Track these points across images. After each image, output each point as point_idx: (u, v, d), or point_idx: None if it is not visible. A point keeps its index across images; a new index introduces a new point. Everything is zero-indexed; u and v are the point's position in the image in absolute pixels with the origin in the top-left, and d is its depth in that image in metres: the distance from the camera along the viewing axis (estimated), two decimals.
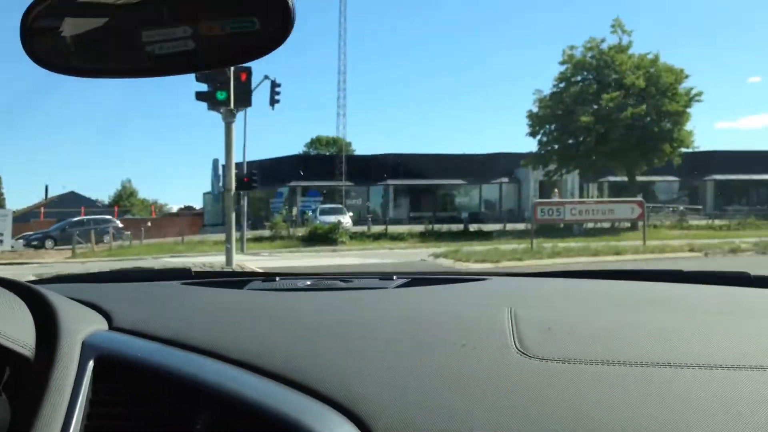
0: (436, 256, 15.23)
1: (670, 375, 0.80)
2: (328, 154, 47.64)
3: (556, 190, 30.34)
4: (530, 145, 29.54)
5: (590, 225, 20.27)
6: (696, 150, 29.07)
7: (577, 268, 1.61)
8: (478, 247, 16.09)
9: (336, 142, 48.87)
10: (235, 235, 14.74)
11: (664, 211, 33.78)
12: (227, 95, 12.83)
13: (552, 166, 29.28)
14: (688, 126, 27.01)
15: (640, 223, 17.54)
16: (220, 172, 17.52)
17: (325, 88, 75.49)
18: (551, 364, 0.84)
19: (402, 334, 0.97)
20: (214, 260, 15.37)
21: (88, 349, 0.88)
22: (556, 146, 28.54)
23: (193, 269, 1.60)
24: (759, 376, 0.79)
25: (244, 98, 13.45)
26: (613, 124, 26.02)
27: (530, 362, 0.85)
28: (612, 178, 33.63)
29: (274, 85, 19.92)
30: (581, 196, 35.42)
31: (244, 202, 21.56)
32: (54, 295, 0.94)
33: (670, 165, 28.56)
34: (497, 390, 0.79)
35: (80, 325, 0.92)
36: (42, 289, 0.95)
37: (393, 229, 26.08)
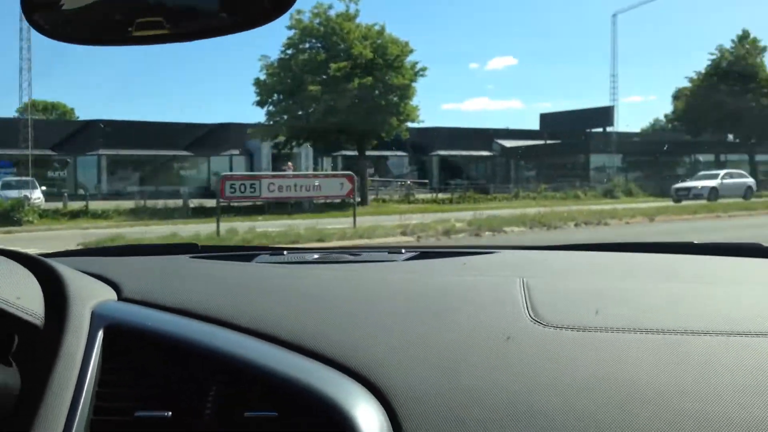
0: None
1: (688, 341, 0.81)
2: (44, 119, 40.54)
3: (289, 164, 28.72)
4: (262, 116, 27.43)
5: (322, 201, 18.65)
6: (422, 126, 29.71)
7: None
8: (164, 228, 13.47)
9: (55, 108, 42.01)
10: None
11: (393, 185, 34.42)
12: None
13: (281, 138, 27.64)
14: (414, 101, 27.21)
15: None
16: None
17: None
18: (565, 332, 0.84)
19: (413, 305, 0.96)
20: None
21: (97, 318, 0.88)
22: (285, 117, 26.94)
23: (202, 244, 1.59)
24: None
25: None
26: (341, 95, 25.13)
27: (544, 330, 0.85)
28: (346, 153, 33.20)
29: None
30: (315, 170, 34.51)
31: None
32: (62, 267, 0.94)
33: (402, 140, 28.78)
34: (511, 357, 0.80)
35: (89, 295, 0.92)
36: (50, 260, 0.94)
37: (101, 205, 22.51)
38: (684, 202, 24.10)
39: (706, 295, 0.98)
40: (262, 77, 26.71)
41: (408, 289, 1.05)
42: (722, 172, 29.56)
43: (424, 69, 27.11)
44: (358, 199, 28.20)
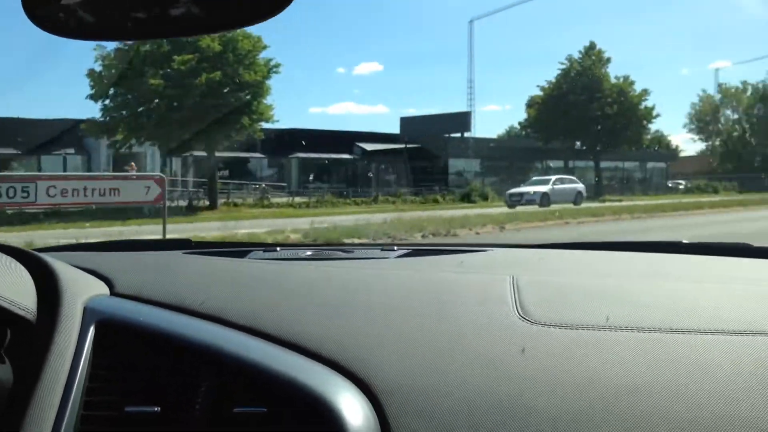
0: None
1: (676, 340, 0.81)
2: None
3: (132, 164, 26.21)
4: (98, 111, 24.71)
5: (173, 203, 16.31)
6: (283, 127, 28.38)
7: None
8: None
9: None
10: None
11: (248, 188, 32.71)
12: None
13: (120, 136, 25.10)
14: (269, 99, 25.83)
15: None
16: None
17: None
18: (552, 330, 0.85)
19: (403, 301, 0.96)
20: None
21: (89, 313, 0.88)
22: (124, 112, 24.50)
23: (194, 239, 1.60)
24: (763, 341, 0.81)
25: None
26: (187, 91, 23.17)
27: (531, 327, 0.86)
28: (198, 153, 31.04)
29: None
30: (163, 172, 32.02)
31: None
32: (55, 262, 0.94)
33: (258, 141, 27.24)
34: (498, 354, 0.80)
35: (81, 290, 0.92)
36: (43, 255, 0.95)
37: None
38: (518, 208, 24.03)
39: (695, 294, 0.97)
40: (98, 69, 24.15)
41: (398, 286, 1.05)
42: (553, 178, 29.51)
43: (277, 65, 25.74)
44: (207, 203, 26.78)
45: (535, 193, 26.89)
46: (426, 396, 0.74)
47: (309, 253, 1.43)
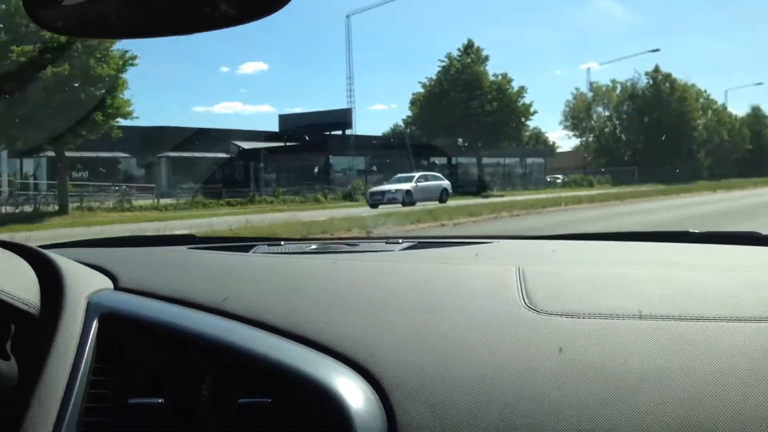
0: None
1: (684, 327, 0.80)
2: None
3: None
4: None
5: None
6: (152, 125, 26.19)
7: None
8: None
9: None
10: None
11: (110, 191, 30.21)
12: None
13: None
14: (127, 94, 23.79)
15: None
16: None
17: None
18: (560, 319, 0.84)
19: (409, 293, 0.96)
20: None
21: (93, 307, 0.88)
22: None
23: (198, 234, 1.66)
24: None
25: None
26: (29, 85, 20.72)
27: (539, 317, 0.85)
28: (52, 154, 28.26)
29: None
30: (16, 175, 29.01)
31: None
32: (58, 257, 0.94)
33: (121, 139, 25.02)
34: (505, 343, 0.80)
35: (85, 284, 0.92)
36: (45, 250, 0.95)
37: None
38: (381, 208, 22.83)
39: (704, 282, 0.95)
40: None
41: (403, 278, 1.04)
42: (417, 175, 27.90)
43: (133, 57, 23.64)
44: (56, 208, 24.32)
45: (397, 191, 25.41)
46: (431, 386, 0.74)
47: (313, 246, 1.42)
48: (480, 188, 34.65)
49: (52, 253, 0.94)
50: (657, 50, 53.81)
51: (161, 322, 0.86)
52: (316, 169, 37.50)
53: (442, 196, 27.11)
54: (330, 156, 39.22)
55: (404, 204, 24.15)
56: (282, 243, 1.47)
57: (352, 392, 0.74)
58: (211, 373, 0.79)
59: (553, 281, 0.98)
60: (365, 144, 41.73)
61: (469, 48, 41.33)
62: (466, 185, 36.20)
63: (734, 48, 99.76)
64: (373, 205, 24.20)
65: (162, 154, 35.81)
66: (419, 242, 1.42)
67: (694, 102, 53.18)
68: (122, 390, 0.79)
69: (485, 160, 43.50)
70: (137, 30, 0.77)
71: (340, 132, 41.77)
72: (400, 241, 1.42)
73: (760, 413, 0.67)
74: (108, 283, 0.99)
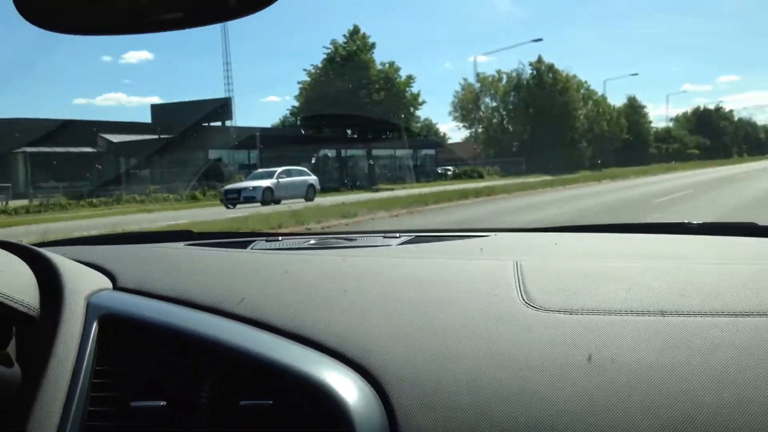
0: None
1: (683, 322, 0.80)
2: None
3: None
4: None
5: None
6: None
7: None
8: None
9: None
10: None
11: None
12: None
13: None
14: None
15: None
16: None
17: None
18: (558, 315, 0.84)
19: (408, 289, 0.96)
20: None
21: (92, 308, 0.88)
22: None
23: (195, 230, 1.60)
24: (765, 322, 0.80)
25: None
26: None
27: (536, 313, 0.85)
28: None
29: None
30: None
31: None
32: (57, 257, 0.94)
33: None
34: (503, 340, 0.80)
35: (84, 285, 0.92)
36: (44, 250, 0.94)
37: None
38: (239, 208, 20.39)
39: (700, 274, 0.94)
40: None
41: (401, 274, 1.03)
42: (279, 170, 24.47)
43: None
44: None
45: (255, 188, 22.54)
46: (431, 384, 0.74)
47: (312, 242, 1.41)
48: (368, 182, 33.36)
49: (49, 253, 0.93)
50: (540, 40, 53.19)
51: (161, 323, 0.85)
52: (190, 164, 34.73)
53: (309, 193, 24.54)
54: (209, 150, 36.58)
55: (264, 203, 21.79)
56: (280, 238, 1.46)
57: (352, 392, 0.74)
58: (212, 374, 0.78)
59: (551, 276, 0.97)
60: (249, 136, 39.41)
61: (354, 34, 40.06)
62: (356, 178, 34.91)
63: (610, 40, 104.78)
64: (229, 205, 21.58)
65: (18, 150, 32.07)
66: (417, 236, 1.42)
67: (576, 93, 54.62)
68: (124, 392, 0.79)
69: (376, 152, 42.41)
70: (127, 26, 0.76)
71: (219, 123, 39.24)
72: (398, 235, 1.42)
73: (754, 409, 0.68)
74: (107, 283, 0.98)
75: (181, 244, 1.39)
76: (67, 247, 1.25)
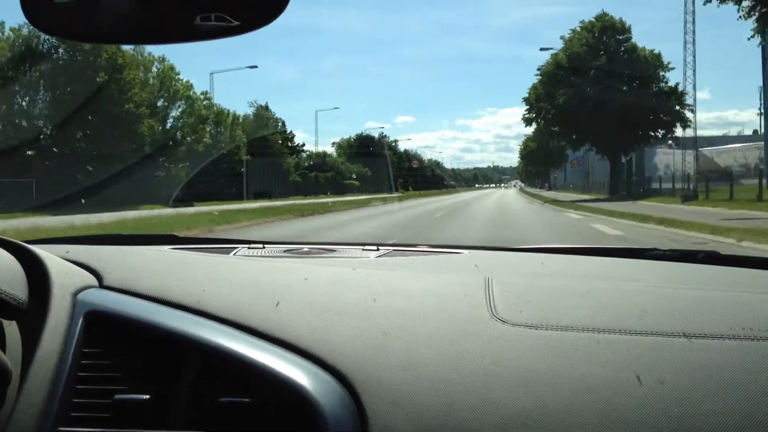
0: None
1: (643, 342, 0.84)
2: None
3: None
4: None
5: None
6: None
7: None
8: None
9: None
10: None
11: None
12: None
13: None
14: None
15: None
16: None
17: None
18: (525, 330, 0.88)
19: (383, 298, 0.98)
20: None
21: (79, 304, 0.91)
22: None
23: (180, 235, 1.70)
24: (740, 345, 0.83)
25: None
26: None
27: (504, 327, 0.88)
28: None
29: None
30: None
31: None
32: (45, 253, 0.96)
33: None
34: (472, 353, 0.83)
35: (72, 282, 0.95)
36: (33, 247, 0.97)
37: None
38: None
39: (664, 298, 0.99)
40: None
41: (377, 284, 1.06)
42: None
43: None
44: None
45: None
46: (402, 389, 0.77)
47: (293, 250, 1.44)
48: None
49: (39, 250, 0.95)
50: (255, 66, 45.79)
51: (144, 321, 0.88)
52: None
53: None
54: None
55: None
56: (263, 246, 1.49)
57: (326, 392, 0.77)
58: (193, 372, 0.81)
59: (521, 292, 1.00)
60: None
61: None
62: None
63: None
64: None
65: None
66: (394, 250, 1.46)
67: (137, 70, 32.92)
68: (108, 386, 0.81)
69: None
70: (131, 36, 0.78)
71: None
72: (377, 248, 1.46)
73: (698, 423, 0.71)
74: (93, 281, 1.00)
75: (166, 248, 1.44)
76: (56, 245, 1.29)
